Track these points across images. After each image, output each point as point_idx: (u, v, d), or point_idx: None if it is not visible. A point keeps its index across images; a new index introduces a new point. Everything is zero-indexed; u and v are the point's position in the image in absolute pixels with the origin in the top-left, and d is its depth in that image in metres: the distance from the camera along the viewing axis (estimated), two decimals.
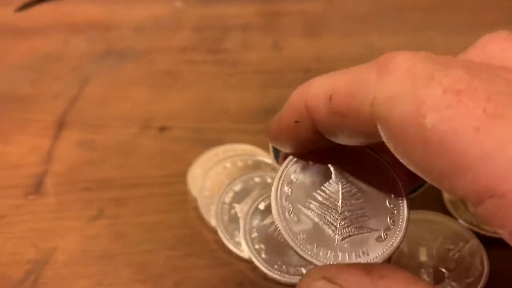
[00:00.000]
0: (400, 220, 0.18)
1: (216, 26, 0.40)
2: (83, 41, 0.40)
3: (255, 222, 0.23)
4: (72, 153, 0.29)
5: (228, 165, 0.27)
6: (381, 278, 0.15)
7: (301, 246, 0.17)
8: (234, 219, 0.24)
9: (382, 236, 0.17)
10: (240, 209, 0.24)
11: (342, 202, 0.18)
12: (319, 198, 0.18)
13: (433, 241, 0.23)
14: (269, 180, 0.26)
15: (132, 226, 0.25)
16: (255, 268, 0.23)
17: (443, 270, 0.22)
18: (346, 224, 0.17)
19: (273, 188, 0.18)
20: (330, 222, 0.17)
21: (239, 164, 0.27)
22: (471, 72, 0.13)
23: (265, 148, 0.29)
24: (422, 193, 0.26)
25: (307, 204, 0.18)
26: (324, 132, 0.16)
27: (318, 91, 0.16)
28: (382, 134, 0.14)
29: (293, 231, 0.17)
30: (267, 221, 0.23)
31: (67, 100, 0.33)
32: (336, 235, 0.17)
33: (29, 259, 0.24)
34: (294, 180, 0.18)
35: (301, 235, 0.17)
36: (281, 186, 0.18)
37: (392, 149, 0.14)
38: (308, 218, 0.17)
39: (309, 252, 0.17)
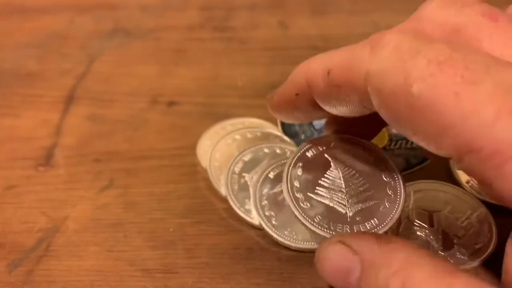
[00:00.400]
0: (398, 188, 0.20)
1: (222, 5, 0.40)
2: (89, 20, 0.40)
3: (265, 190, 0.24)
4: (81, 126, 0.30)
5: (237, 136, 0.27)
6: (388, 243, 0.17)
7: (320, 227, 0.19)
8: (244, 188, 0.24)
9: (386, 204, 0.20)
10: (250, 178, 0.24)
11: (345, 183, 0.21)
12: (325, 184, 0.21)
13: (442, 209, 0.23)
14: (278, 151, 0.26)
15: (143, 195, 0.25)
16: (265, 235, 0.23)
17: (452, 237, 0.22)
18: (353, 201, 0.20)
19: (284, 183, 0.20)
20: (339, 202, 0.20)
21: (248, 135, 0.27)
22: (451, 46, 0.14)
23: (273, 122, 0.29)
24: (430, 164, 0.26)
25: (315, 191, 0.20)
26: (322, 103, 0.18)
27: (317, 67, 0.18)
28: (374, 103, 0.16)
29: (309, 216, 0.20)
30: (276, 189, 0.24)
31: (75, 77, 0.33)
32: (347, 212, 0.20)
33: (40, 227, 0.24)
34: (300, 174, 0.21)
35: (317, 218, 0.20)
36: (290, 181, 0.21)
37: (383, 116, 0.16)
38: (319, 203, 0.20)
39: (327, 230, 0.19)
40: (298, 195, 0.20)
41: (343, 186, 0.21)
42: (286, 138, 0.27)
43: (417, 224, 0.23)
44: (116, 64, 0.35)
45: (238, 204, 0.23)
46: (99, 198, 0.25)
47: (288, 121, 0.21)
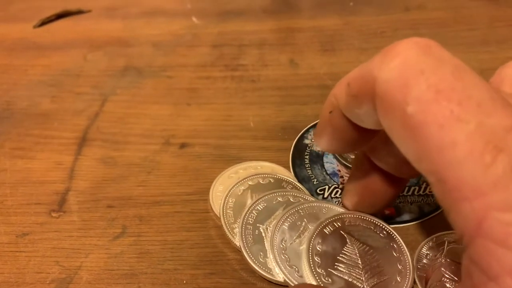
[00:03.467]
0: (407, 263, 0.23)
1: (233, 42, 0.41)
2: (102, 57, 0.40)
3: (283, 243, 0.23)
4: (94, 170, 0.30)
5: (250, 182, 0.27)
6: None
7: None
8: (258, 240, 0.24)
9: (398, 279, 0.22)
10: (264, 229, 0.24)
11: (361, 259, 0.23)
12: (343, 260, 0.23)
13: None
14: (291, 199, 0.26)
15: (156, 244, 0.25)
16: None
17: None
18: (369, 276, 0.22)
19: (305, 259, 0.22)
20: (356, 277, 0.22)
21: (261, 182, 0.27)
22: (457, 74, 0.15)
23: (284, 166, 0.29)
24: None
25: (335, 267, 0.22)
26: (348, 115, 0.19)
27: (342, 82, 0.19)
28: (377, 111, 0.16)
29: None
30: (294, 240, 0.24)
31: (87, 117, 0.34)
32: (364, 286, 0.22)
33: (53, 278, 0.24)
34: (320, 250, 0.23)
35: None
36: (312, 257, 0.22)
37: (383, 126, 0.17)
38: (339, 278, 0.22)
39: None
40: (320, 270, 0.22)
41: (359, 262, 0.22)
42: (298, 184, 0.27)
43: (448, 276, 0.22)
44: (129, 104, 0.35)
45: (252, 258, 0.23)
46: (112, 247, 0.25)
47: (331, 149, 0.22)
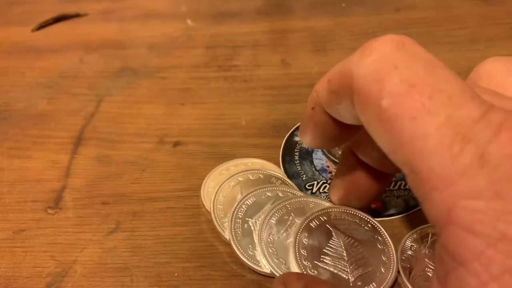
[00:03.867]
0: (391, 255, 0.23)
1: (226, 44, 0.42)
2: (98, 59, 0.41)
3: (271, 236, 0.24)
4: (89, 168, 0.31)
5: (240, 178, 0.28)
6: None
7: None
8: (247, 233, 0.25)
9: (382, 270, 0.23)
10: (253, 223, 0.25)
11: (346, 252, 0.23)
12: (329, 252, 0.23)
13: None
14: (280, 194, 0.26)
15: (149, 239, 0.26)
16: (267, 280, 0.23)
17: None
18: (354, 267, 0.23)
19: (291, 253, 0.23)
20: (341, 269, 0.23)
21: (251, 177, 0.28)
22: (430, 69, 0.15)
23: (275, 162, 0.30)
24: None
25: (321, 259, 0.23)
26: (329, 111, 0.20)
27: (323, 79, 0.20)
28: (355, 106, 0.17)
29: None
30: (282, 234, 0.24)
31: (83, 117, 0.35)
32: (349, 277, 0.22)
33: (49, 272, 0.25)
34: (306, 243, 0.24)
35: None
36: (298, 250, 0.23)
37: (361, 121, 0.17)
38: (325, 270, 0.23)
39: None
40: (306, 263, 0.23)
41: (345, 254, 0.23)
42: (287, 180, 0.28)
43: (431, 266, 0.23)
44: (124, 104, 0.36)
45: (242, 250, 0.24)
46: (106, 242, 0.26)
47: (314, 145, 0.23)
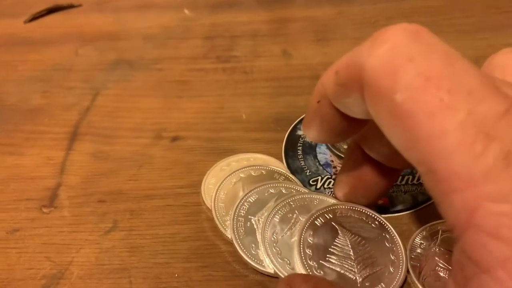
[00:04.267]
0: (400, 254, 0.22)
1: (225, 34, 0.40)
2: (93, 51, 0.40)
3: (275, 235, 0.23)
4: (85, 164, 0.29)
5: (242, 175, 0.27)
6: None
7: None
8: (250, 232, 0.24)
9: (391, 269, 0.22)
10: (256, 221, 0.24)
11: (353, 251, 0.22)
12: (335, 251, 0.22)
13: None
14: (283, 191, 0.25)
15: (147, 238, 0.25)
16: (271, 280, 0.23)
17: None
18: (361, 267, 0.22)
19: (296, 252, 0.22)
20: (348, 268, 0.22)
21: (253, 174, 0.27)
22: (447, 61, 0.14)
23: (277, 157, 0.29)
24: None
25: (327, 259, 0.22)
26: (336, 104, 0.19)
27: (330, 70, 0.18)
28: (365, 99, 0.16)
29: None
30: (285, 232, 0.23)
31: (78, 111, 0.34)
32: (357, 278, 0.21)
33: (44, 274, 0.24)
34: (311, 242, 0.23)
35: None
36: (303, 249, 0.22)
37: (372, 115, 0.16)
38: (331, 270, 0.22)
39: None
40: (311, 262, 0.22)
41: (351, 253, 0.22)
42: (291, 175, 0.27)
43: (442, 265, 0.22)
44: (120, 98, 0.35)
45: (244, 250, 0.23)
46: (103, 241, 0.25)
47: (319, 139, 0.21)
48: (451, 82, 0.14)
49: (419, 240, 0.23)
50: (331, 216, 0.24)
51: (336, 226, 0.23)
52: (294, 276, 0.20)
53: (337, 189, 0.25)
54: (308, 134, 0.22)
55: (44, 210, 0.27)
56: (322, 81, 0.19)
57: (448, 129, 0.13)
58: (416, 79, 0.14)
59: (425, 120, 0.14)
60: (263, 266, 0.22)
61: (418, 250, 0.23)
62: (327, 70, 0.19)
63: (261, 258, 0.23)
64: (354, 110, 0.18)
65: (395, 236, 0.23)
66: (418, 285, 0.21)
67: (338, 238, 0.23)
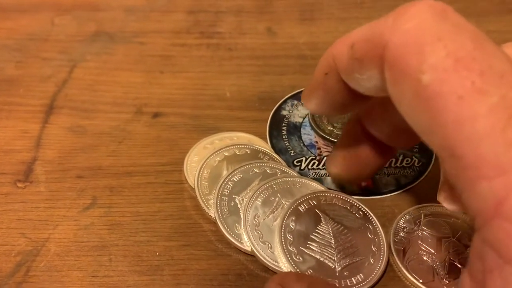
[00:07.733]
0: (381, 245, 0.22)
1: (209, 9, 0.39)
2: (71, 21, 0.38)
3: (257, 218, 0.23)
4: (62, 138, 0.28)
5: (226, 153, 0.26)
6: None
7: None
8: (233, 211, 0.23)
9: (371, 261, 0.22)
10: (240, 200, 0.24)
11: (334, 239, 0.22)
12: (316, 239, 0.22)
13: (451, 236, 0.23)
14: (268, 171, 0.25)
15: (127, 215, 0.24)
16: (254, 260, 0.22)
17: (459, 265, 0.22)
18: (341, 256, 0.22)
19: (277, 237, 0.22)
20: (328, 257, 0.22)
21: (237, 152, 0.26)
22: (477, 42, 0.14)
23: (261, 137, 0.28)
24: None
25: (307, 245, 0.22)
26: (347, 79, 0.18)
27: (343, 42, 0.17)
28: (386, 78, 0.15)
29: (302, 269, 0.21)
30: (268, 216, 0.23)
31: (55, 84, 0.32)
32: (336, 266, 0.21)
33: (19, 250, 0.23)
34: (293, 227, 0.22)
35: (308, 271, 0.21)
36: (284, 235, 0.22)
37: (390, 94, 0.15)
38: (311, 257, 0.21)
39: None
40: (291, 248, 0.22)
41: (333, 242, 0.22)
42: (275, 155, 0.27)
43: (424, 249, 0.22)
44: (99, 71, 0.33)
45: (228, 229, 0.23)
46: (82, 218, 0.24)
47: (319, 111, 0.21)
48: (482, 64, 0.13)
49: (402, 224, 0.23)
50: (315, 203, 0.23)
51: (320, 213, 0.23)
52: (286, 275, 0.19)
53: (331, 164, 0.24)
54: (307, 105, 0.21)
55: (19, 184, 0.26)
56: (332, 52, 0.18)
57: (479, 113, 0.13)
58: (445, 60, 0.13)
59: (454, 104, 0.13)
60: (247, 246, 0.22)
61: (402, 234, 0.23)
62: (338, 41, 0.18)
63: (244, 237, 0.22)
64: (366, 85, 0.17)
65: (378, 227, 0.23)
66: (402, 269, 0.22)
67: (321, 225, 0.23)
